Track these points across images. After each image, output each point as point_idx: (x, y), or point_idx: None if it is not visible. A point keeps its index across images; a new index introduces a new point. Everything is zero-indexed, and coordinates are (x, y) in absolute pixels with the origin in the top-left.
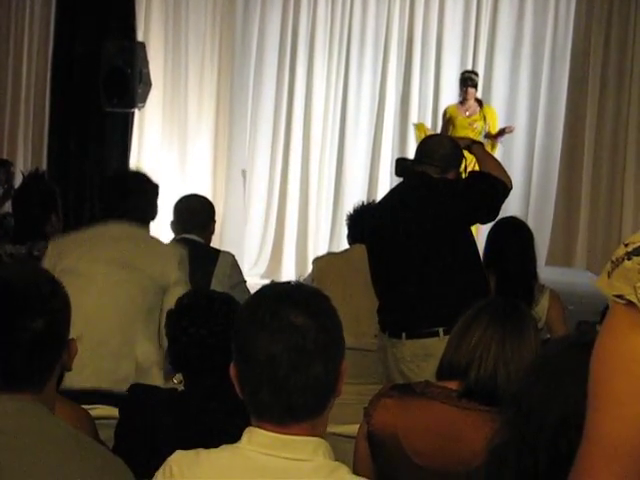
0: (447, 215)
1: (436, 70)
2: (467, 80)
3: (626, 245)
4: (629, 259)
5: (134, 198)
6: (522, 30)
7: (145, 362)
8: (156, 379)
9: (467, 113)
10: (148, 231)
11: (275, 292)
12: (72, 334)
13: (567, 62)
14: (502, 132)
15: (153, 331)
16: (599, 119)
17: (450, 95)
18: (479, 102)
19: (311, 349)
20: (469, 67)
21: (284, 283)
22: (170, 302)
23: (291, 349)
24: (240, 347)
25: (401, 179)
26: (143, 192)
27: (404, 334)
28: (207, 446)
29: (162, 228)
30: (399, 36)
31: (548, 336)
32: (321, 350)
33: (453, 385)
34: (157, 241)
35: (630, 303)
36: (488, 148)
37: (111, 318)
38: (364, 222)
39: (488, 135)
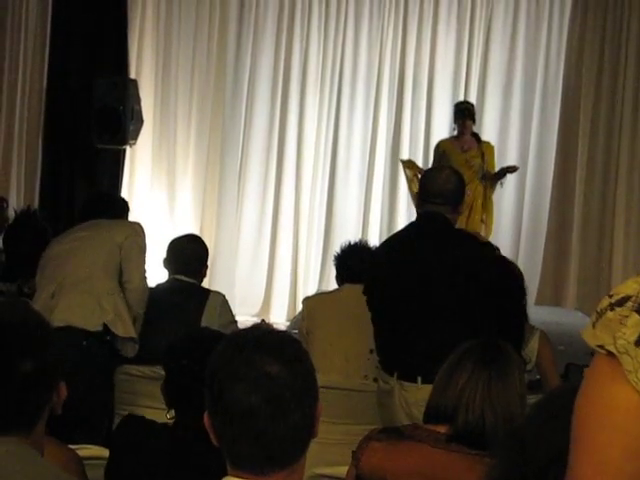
0: (475, 285)
1: (427, 109)
2: (464, 112)
3: (610, 296)
4: (612, 310)
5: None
6: (513, 69)
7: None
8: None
9: (463, 148)
10: None
11: (247, 340)
12: (53, 283)
13: (558, 101)
14: (503, 172)
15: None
16: (590, 158)
17: (442, 134)
18: (476, 137)
19: (288, 398)
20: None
21: (255, 329)
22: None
23: (269, 400)
24: (215, 398)
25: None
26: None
27: (420, 378)
28: None
29: (153, 266)
30: (390, 75)
31: (538, 377)
32: (298, 398)
33: (441, 429)
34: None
35: (610, 354)
36: (483, 188)
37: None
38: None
39: (486, 175)
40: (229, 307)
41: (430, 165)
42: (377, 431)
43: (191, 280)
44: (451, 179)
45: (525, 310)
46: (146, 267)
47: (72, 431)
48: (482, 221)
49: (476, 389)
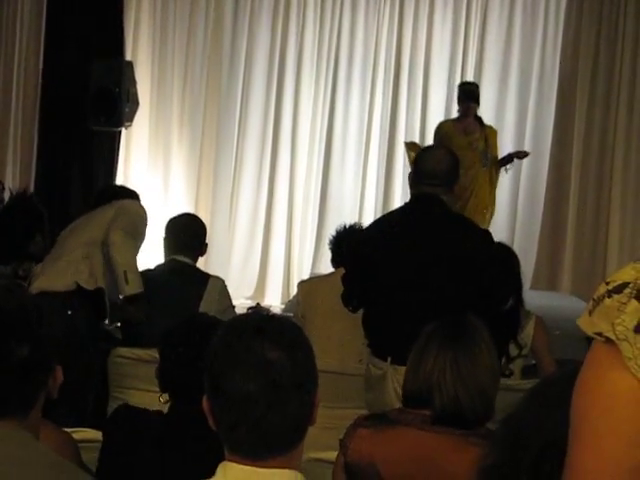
0: (473, 271)
1: (423, 95)
2: (468, 93)
3: (607, 283)
4: (609, 297)
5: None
6: (510, 53)
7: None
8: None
9: (466, 131)
10: None
11: (248, 326)
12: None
13: (555, 87)
14: (511, 157)
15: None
16: (585, 144)
17: (438, 117)
18: (479, 120)
19: (287, 385)
20: (457, 88)
21: (256, 314)
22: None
23: (267, 386)
24: (214, 383)
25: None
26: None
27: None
28: (189, 472)
29: (150, 247)
30: (386, 59)
31: (533, 362)
32: (297, 385)
33: (426, 411)
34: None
35: (609, 340)
36: (488, 174)
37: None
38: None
39: (492, 160)
40: (228, 293)
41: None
42: (363, 418)
43: (189, 261)
44: (445, 159)
45: (521, 295)
46: (135, 236)
47: (50, 410)
48: (484, 208)
49: (444, 369)
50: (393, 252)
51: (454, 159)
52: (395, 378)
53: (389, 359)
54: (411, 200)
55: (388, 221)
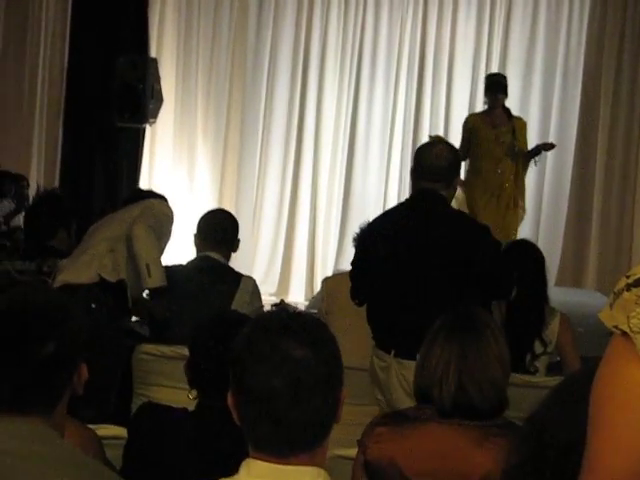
0: (471, 265)
1: (447, 88)
2: (495, 85)
3: (627, 277)
4: (628, 290)
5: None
6: (534, 48)
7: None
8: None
9: (494, 124)
10: None
11: (274, 323)
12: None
13: (579, 82)
14: (538, 149)
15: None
16: (610, 141)
17: (462, 113)
18: (507, 112)
19: (311, 383)
20: (481, 84)
21: (283, 311)
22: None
23: (291, 384)
24: (239, 379)
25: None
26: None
27: (419, 356)
28: (215, 470)
29: (178, 243)
30: (410, 54)
31: (558, 359)
32: (321, 383)
33: None
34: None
35: (626, 334)
36: (515, 168)
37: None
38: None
39: (519, 152)
40: (259, 293)
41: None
42: (381, 416)
43: (222, 259)
44: (443, 154)
45: (546, 292)
46: (160, 233)
47: (74, 406)
48: (514, 203)
49: (449, 364)
50: (393, 247)
51: (454, 155)
52: (400, 372)
53: (392, 352)
54: (411, 196)
55: (389, 216)
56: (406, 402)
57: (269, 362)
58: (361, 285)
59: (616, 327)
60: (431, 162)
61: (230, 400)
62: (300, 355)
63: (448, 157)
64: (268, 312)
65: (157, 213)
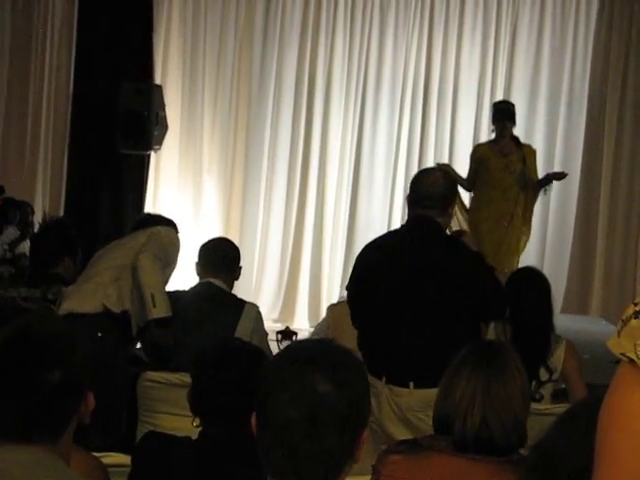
0: (465, 290)
1: (452, 116)
2: (504, 112)
3: (635, 304)
4: (636, 318)
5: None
6: (539, 76)
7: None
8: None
9: (503, 152)
10: None
11: (305, 353)
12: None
13: (584, 108)
14: (549, 178)
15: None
16: (615, 169)
17: (466, 141)
18: (516, 140)
19: (328, 420)
20: (486, 111)
21: (317, 342)
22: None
23: (308, 417)
24: (261, 403)
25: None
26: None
27: (412, 384)
28: None
29: (183, 271)
30: (415, 82)
31: (563, 386)
32: (338, 422)
33: None
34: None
35: (633, 361)
36: (525, 197)
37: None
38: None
39: (529, 182)
40: (262, 319)
41: (462, 169)
42: (395, 444)
43: (224, 286)
44: (439, 181)
45: (551, 320)
46: (166, 262)
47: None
48: (521, 233)
49: (474, 397)
50: (386, 273)
51: (450, 182)
52: (392, 399)
53: (384, 379)
54: (407, 222)
55: (383, 242)
56: (398, 427)
57: (289, 392)
58: (356, 310)
59: (623, 355)
60: (427, 189)
61: (253, 421)
62: (322, 390)
63: (444, 184)
64: (303, 340)
65: (163, 241)
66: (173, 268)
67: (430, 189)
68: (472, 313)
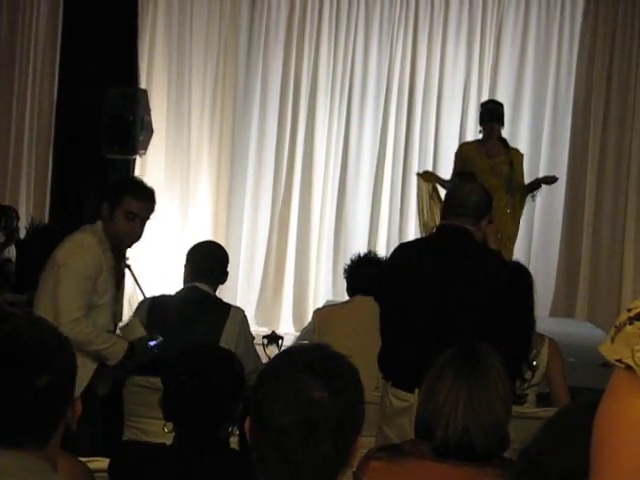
0: (495, 302)
1: (437, 120)
2: (491, 113)
3: (629, 310)
4: (630, 324)
5: None
6: (523, 80)
7: None
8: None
9: (489, 154)
10: None
11: (301, 359)
12: None
13: (569, 112)
14: (538, 183)
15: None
16: (600, 173)
17: (451, 145)
18: (504, 142)
19: (323, 426)
20: (471, 116)
21: (312, 349)
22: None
23: (302, 424)
24: (256, 409)
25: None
26: None
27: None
28: None
29: (172, 276)
30: (400, 85)
31: (547, 391)
32: (333, 428)
33: None
34: None
35: (629, 367)
36: (511, 202)
37: None
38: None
39: (517, 187)
40: (248, 323)
41: (448, 174)
42: (376, 450)
43: (210, 290)
44: (475, 191)
45: (533, 315)
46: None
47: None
48: (507, 239)
49: (457, 403)
50: (418, 283)
51: (486, 194)
52: None
53: (417, 391)
54: (437, 229)
55: (412, 249)
56: None
57: (285, 398)
58: (386, 321)
59: (619, 361)
60: (462, 197)
61: (247, 424)
62: (317, 397)
63: (480, 194)
64: (300, 346)
65: (68, 275)
66: (107, 287)
67: (465, 197)
68: (498, 323)
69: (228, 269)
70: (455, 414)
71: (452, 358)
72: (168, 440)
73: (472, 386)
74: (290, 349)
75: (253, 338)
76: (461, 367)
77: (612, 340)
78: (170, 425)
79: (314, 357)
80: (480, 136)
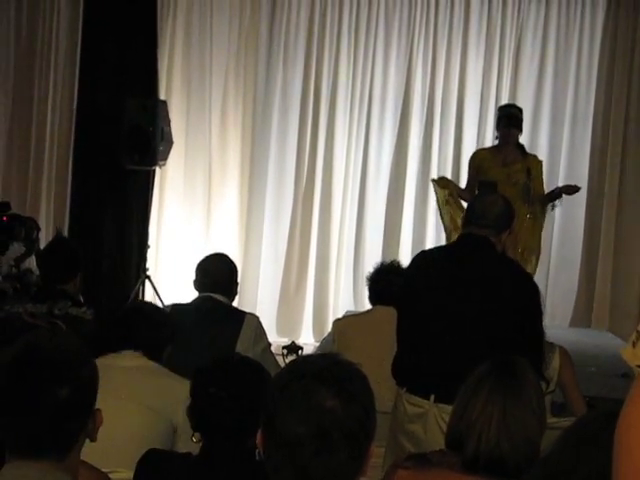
0: (512, 314)
1: (456, 133)
2: (508, 118)
3: None
4: None
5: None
6: (542, 94)
7: None
8: None
9: (505, 161)
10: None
11: (311, 369)
12: None
13: (589, 126)
14: (559, 192)
15: None
16: (621, 184)
17: (471, 154)
18: (521, 148)
19: (336, 436)
20: (490, 126)
21: (321, 358)
22: None
23: (317, 434)
24: (268, 420)
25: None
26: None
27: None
28: None
29: (186, 285)
30: (419, 99)
31: (562, 400)
32: (347, 437)
33: None
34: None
35: None
36: (532, 213)
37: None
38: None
39: (536, 196)
40: (264, 331)
41: (463, 184)
42: (404, 458)
43: (223, 299)
44: (498, 202)
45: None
46: None
47: None
48: (529, 252)
49: (491, 418)
50: (436, 289)
51: (509, 207)
52: (441, 418)
53: (432, 397)
54: (458, 238)
55: (432, 256)
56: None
57: (298, 409)
58: (402, 326)
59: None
60: (483, 207)
61: (259, 438)
62: (330, 406)
63: (502, 206)
64: (308, 356)
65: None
66: None
67: (487, 208)
68: (519, 333)
69: (249, 278)
70: (488, 429)
71: (488, 373)
72: (195, 450)
73: (507, 402)
74: (299, 359)
75: (270, 345)
76: (497, 382)
77: (633, 345)
78: (198, 435)
79: (323, 366)
80: (496, 142)
